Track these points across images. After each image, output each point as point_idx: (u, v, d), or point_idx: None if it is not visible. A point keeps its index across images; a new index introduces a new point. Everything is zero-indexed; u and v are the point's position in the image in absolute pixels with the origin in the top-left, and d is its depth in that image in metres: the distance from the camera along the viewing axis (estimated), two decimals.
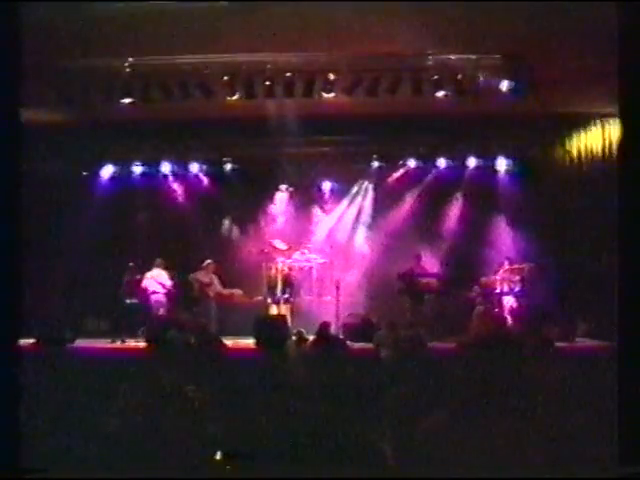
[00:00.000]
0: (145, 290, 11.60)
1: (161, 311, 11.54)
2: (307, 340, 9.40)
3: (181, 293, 11.86)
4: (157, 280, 11.68)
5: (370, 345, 9.54)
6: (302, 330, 9.55)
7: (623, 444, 4.37)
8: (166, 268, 11.82)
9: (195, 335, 9.27)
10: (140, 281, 11.57)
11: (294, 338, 9.36)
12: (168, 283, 11.70)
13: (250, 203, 13.36)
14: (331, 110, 11.08)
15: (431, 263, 12.28)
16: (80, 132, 10.72)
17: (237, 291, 12.35)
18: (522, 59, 9.63)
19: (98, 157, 13.11)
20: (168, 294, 11.71)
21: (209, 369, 8.87)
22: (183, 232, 13.17)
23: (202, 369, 8.83)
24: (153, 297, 11.59)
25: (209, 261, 12.14)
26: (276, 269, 12.22)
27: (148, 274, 11.67)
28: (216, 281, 12.07)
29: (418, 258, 11.96)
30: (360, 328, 10.90)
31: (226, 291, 12.15)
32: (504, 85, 9.75)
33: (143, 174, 13.40)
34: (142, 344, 10.80)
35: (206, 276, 11.98)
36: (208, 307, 11.61)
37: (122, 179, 13.33)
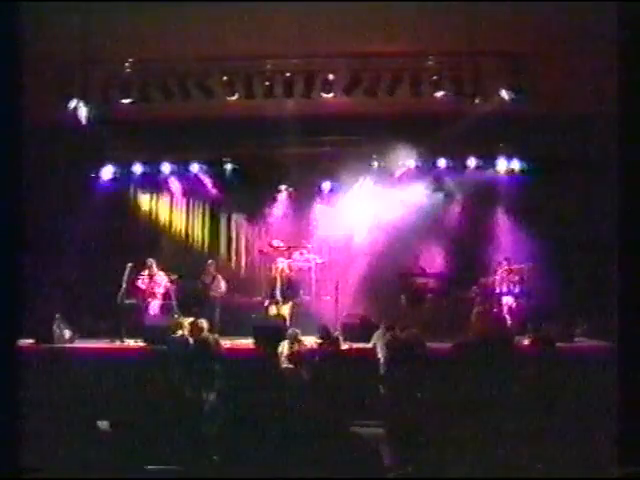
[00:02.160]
0: (140, 290, 11.44)
1: (156, 312, 11.39)
2: (301, 341, 9.41)
3: (181, 294, 11.76)
4: (154, 280, 11.52)
5: (369, 345, 9.54)
6: (297, 331, 9.54)
7: (623, 444, 4.37)
8: (161, 269, 11.66)
9: (194, 336, 9.28)
10: (135, 281, 11.43)
11: (288, 340, 9.33)
12: (164, 283, 11.54)
13: (250, 203, 13.35)
14: (331, 110, 11.08)
15: (430, 263, 12.27)
16: (80, 132, 10.71)
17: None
18: (522, 59, 9.63)
19: (98, 157, 13.08)
20: (164, 295, 11.55)
21: (207, 370, 8.88)
22: (183, 232, 13.16)
23: (200, 370, 8.84)
24: (149, 298, 11.44)
25: (210, 261, 12.13)
26: (275, 269, 12.21)
27: (141, 274, 11.51)
28: (220, 280, 11.97)
29: (417, 258, 11.96)
30: (359, 328, 10.90)
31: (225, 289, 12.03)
32: (504, 85, 9.77)
33: (143, 174, 13.37)
34: (142, 344, 10.83)
35: (208, 276, 11.94)
36: (211, 308, 11.54)
37: (122, 179, 13.31)
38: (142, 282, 11.41)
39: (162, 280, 11.50)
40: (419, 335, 9.35)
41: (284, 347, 9.24)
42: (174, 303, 11.64)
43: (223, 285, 11.96)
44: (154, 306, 11.43)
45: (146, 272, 11.47)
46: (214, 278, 11.93)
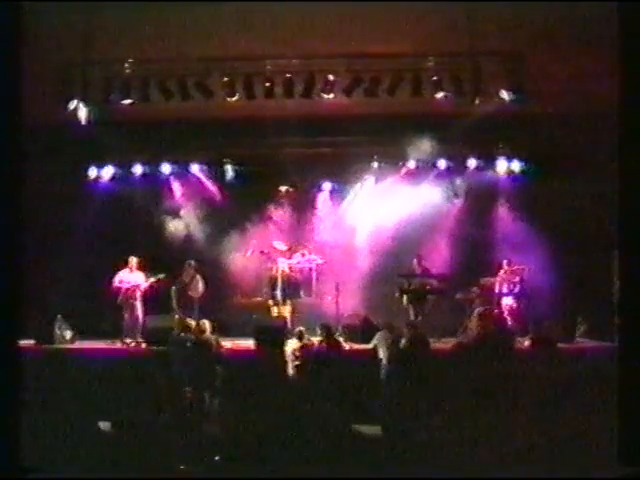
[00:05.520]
0: (118, 290, 11.30)
1: (134, 312, 11.22)
2: (308, 339, 9.41)
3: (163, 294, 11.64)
4: (132, 280, 11.32)
5: (369, 346, 9.54)
6: (302, 329, 9.54)
7: (623, 444, 4.37)
8: (139, 268, 11.53)
9: (196, 337, 9.28)
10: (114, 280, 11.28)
11: (295, 338, 9.35)
12: (143, 283, 11.41)
13: (250, 204, 13.33)
14: (331, 111, 11.08)
15: (431, 264, 12.25)
16: (80, 132, 10.70)
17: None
18: (522, 59, 9.63)
19: (98, 157, 13.08)
20: (143, 294, 11.39)
21: (208, 370, 8.89)
22: (183, 233, 13.15)
23: (201, 370, 8.85)
24: (127, 298, 11.27)
25: (190, 261, 11.97)
26: (276, 270, 12.19)
27: (119, 274, 11.39)
28: (199, 281, 11.84)
29: (419, 258, 11.94)
30: (360, 329, 10.90)
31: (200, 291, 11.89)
32: (504, 85, 9.78)
33: (143, 174, 13.36)
34: (142, 345, 10.82)
35: (187, 277, 11.82)
36: (190, 308, 11.45)
37: (122, 179, 13.30)
38: (121, 281, 11.27)
39: (141, 279, 11.33)
40: (421, 335, 9.36)
41: (292, 343, 9.25)
42: (174, 303, 11.62)
43: (201, 286, 11.80)
44: (138, 305, 11.25)
45: (127, 271, 11.35)
46: (193, 278, 11.82)
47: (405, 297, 11.61)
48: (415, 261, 11.93)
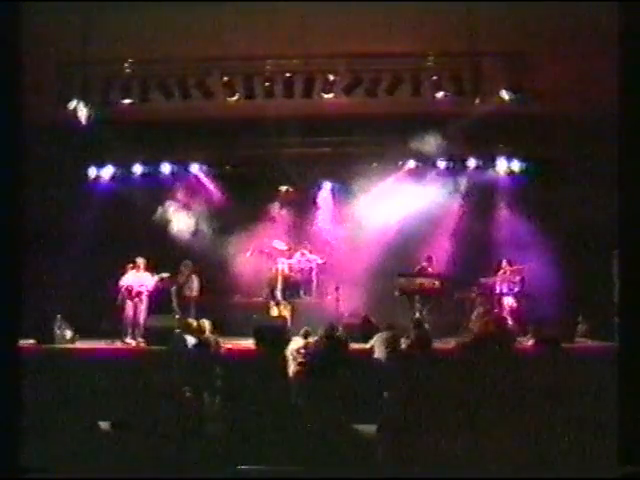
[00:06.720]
0: (125, 290, 11.32)
1: (138, 312, 11.23)
2: (311, 338, 9.41)
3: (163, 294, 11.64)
4: (139, 281, 11.32)
5: (367, 346, 9.54)
6: (309, 329, 9.54)
7: (623, 444, 4.37)
8: (147, 269, 11.56)
9: (195, 337, 9.28)
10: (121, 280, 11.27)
11: (299, 337, 9.35)
12: (150, 284, 11.46)
13: (250, 204, 13.34)
14: (331, 111, 11.09)
15: (431, 263, 12.25)
16: (80, 132, 10.70)
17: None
18: (522, 59, 9.64)
19: (98, 157, 13.09)
20: (149, 295, 11.38)
21: (208, 370, 8.89)
22: (183, 233, 13.14)
23: (201, 370, 8.85)
24: (132, 298, 11.27)
25: (186, 261, 11.99)
26: (276, 270, 12.20)
27: (127, 275, 11.43)
28: (194, 280, 11.91)
29: (429, 259, 11.94)
30: (360, 328, 10.89)
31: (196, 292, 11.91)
32: (504, 85, 9.79)
33: (143, 174, 13.38)
34: (142, 345, 10.83)
35: (182, 277, 11.82)
36: (186, 308, 11.47)
37: (122, 179, 13.32)
38: (128, 281, 11.28)
39: (149, 280, 11.34)
40: (421, 335, 9.36)
41: (297, 342, 9.24)
42: (174, 303, 11.63)
43: (196, 286, 11.82)
44: (142, 306, 11.25)
45: (133, 272, 11.36)
46: (188, 278, 11.81)
47: (405, 297, 11.61)
48: (415, 261, 11.94)
